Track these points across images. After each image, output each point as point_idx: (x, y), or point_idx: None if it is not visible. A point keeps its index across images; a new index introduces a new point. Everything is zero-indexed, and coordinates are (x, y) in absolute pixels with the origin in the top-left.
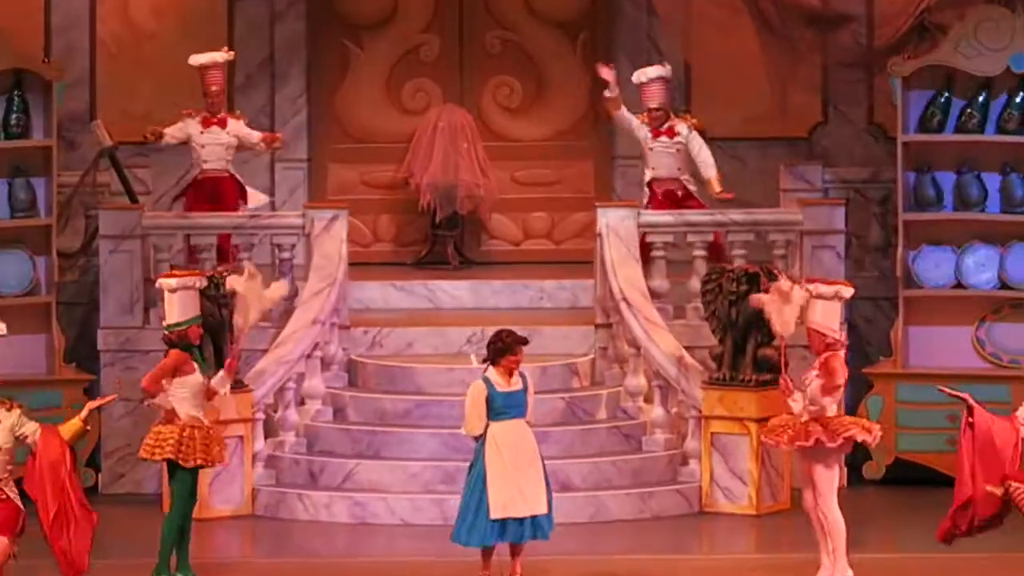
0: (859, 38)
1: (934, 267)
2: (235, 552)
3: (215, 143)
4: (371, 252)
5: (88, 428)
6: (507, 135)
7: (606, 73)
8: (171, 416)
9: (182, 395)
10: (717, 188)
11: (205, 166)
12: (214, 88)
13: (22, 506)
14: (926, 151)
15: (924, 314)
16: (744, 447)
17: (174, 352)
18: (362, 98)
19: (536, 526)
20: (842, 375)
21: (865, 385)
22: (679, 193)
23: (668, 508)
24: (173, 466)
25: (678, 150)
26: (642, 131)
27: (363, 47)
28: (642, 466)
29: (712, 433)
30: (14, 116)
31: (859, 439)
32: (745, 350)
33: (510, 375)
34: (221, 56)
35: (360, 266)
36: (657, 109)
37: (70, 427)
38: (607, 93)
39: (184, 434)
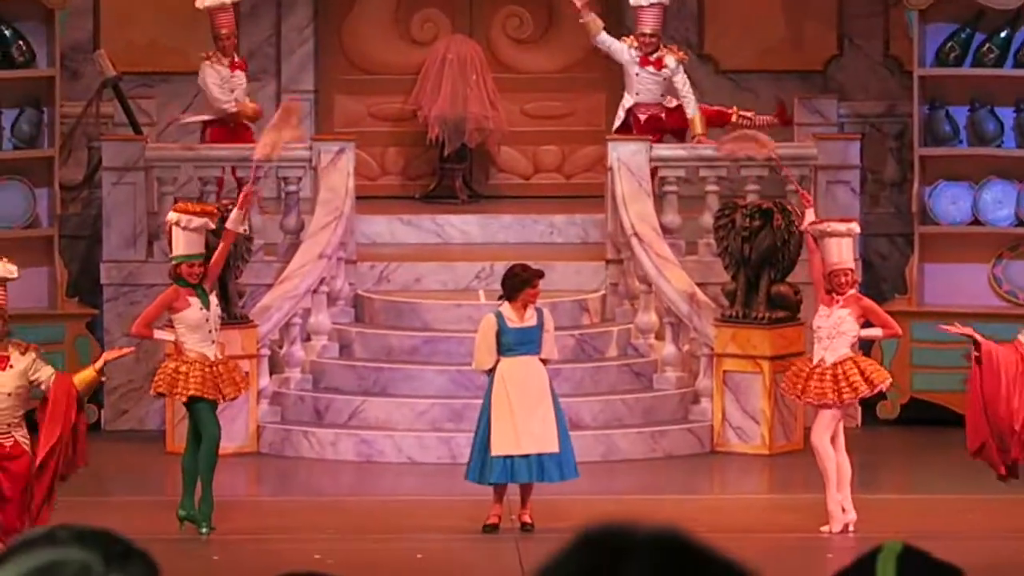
0: None
1: (950, 203)
2: (240, 490)
3: (239, 86)
4: (378, 186)
5: (103, 379)
6: (517, 67)
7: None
8: (177, 351)
9: (182, 331)
10: (699, 129)
11: (229, 109)
12: (224, 31)
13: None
14: (941, 86)
15: (940, 251)
16: (757, 386)
17: (169, 289)
18: (370, 28)
19: (543, 468)
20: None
21: None
22: (662, 116)
23: (679, 447)
24: (194, 403)
25: (664, 79)
26: (626, 54)
27: None
28: (653, 405)
29: (724, 371)
30: (15, 46)
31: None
32: (758, 287)
33: (524, 310)
34: None
35: (367, 200)
36: (651, 35)
37: (84, 376)
38: (580, 19)
39: (206, 370)
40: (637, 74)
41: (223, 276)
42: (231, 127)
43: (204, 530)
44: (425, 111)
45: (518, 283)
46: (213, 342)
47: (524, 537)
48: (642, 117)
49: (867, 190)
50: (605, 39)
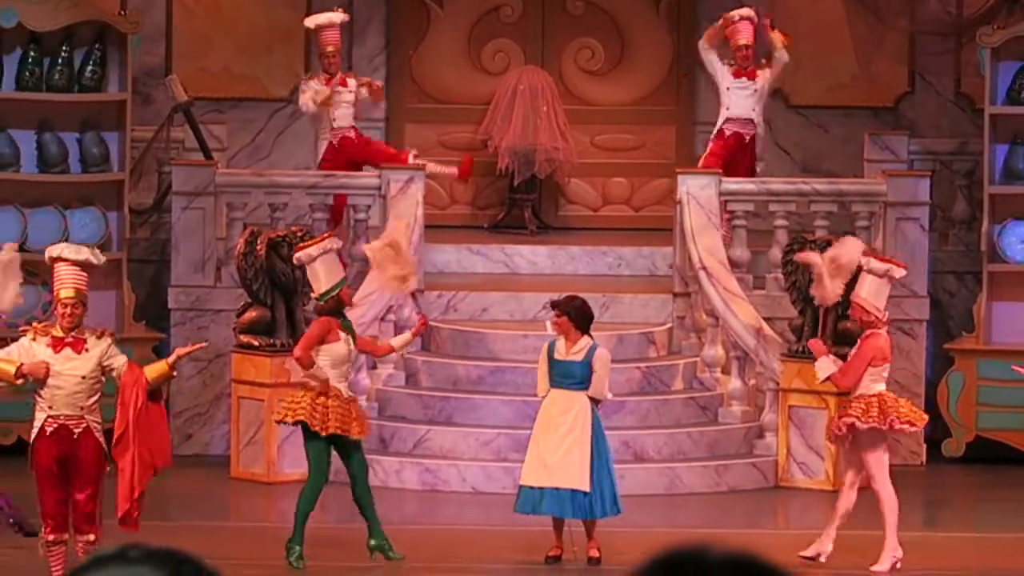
0: (947, 7)
1: (1019, 242)
2: None
3: (343, 101)
4: (447, 215)
5: (174, 374)
6: (588, 98)
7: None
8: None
9: (323, 363)
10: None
11: (335, 124)
12: (330, 48)
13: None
14: (1014, 123)
15: (1008, 289)
16: (822, 421)
17: (322, 319)
18: (441, 58)
19: (577, 503)
20: (872, 355)
21: (946, 361)
22: (747, 138)
23: (744, 482)
24: (306, 433)
25: (755, 91)
26: (722, 71)
27: (443, 6)
28: (718, 438)
29: (790, 406)
30: (89, 69)
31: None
32: (825, 322)
33: (571, 343)
34: (337, 17)
35: (436, 229)
36: (746, 47)
37: (155, 368)
38: (713, 25)
39: (318, 400)
40: (728, 88)
41: (290, 303)
42: (335, 145)
43: (393, 555)
44: (495, 141)
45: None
46: (347, 379)
47: (589, 570)
48: (728, 132)
49: (936, 227)
50: (713, 55)
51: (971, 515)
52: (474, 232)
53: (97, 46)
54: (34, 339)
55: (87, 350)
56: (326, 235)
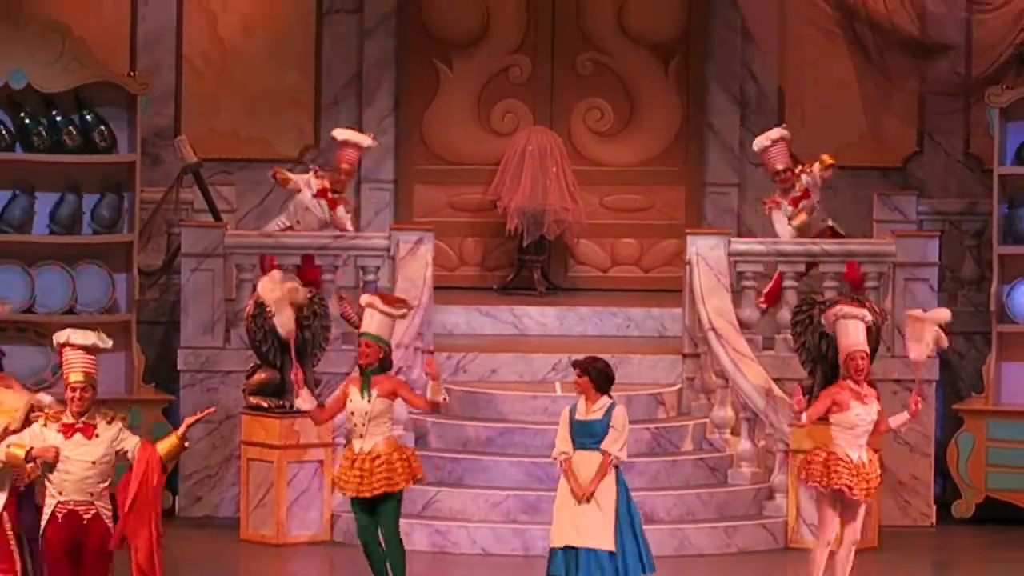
0: (956, 67)
1: None
2: None
3: (314, 214)
4: (456, 276)
5: (186, 445)
6: (597, 159)
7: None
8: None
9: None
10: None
11: (296, 225)
12: (346, 166)
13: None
14: (1021, 184)
15: (1018, 350)
16: None
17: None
18: (451, 119)
19: (592, 562)
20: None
21: (956, 421)
22: (829, 236)
23: (753, 543)
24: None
25: (818, 202)
26: (779, 214)
27: (452, 67)
28: (727, 500)
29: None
30: (97, 131)
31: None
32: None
33: (588, 402)
34: (367, 141)
35: (445, 290)
36: (784, 170)
37: (166, 444)
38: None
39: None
40: (791, 222)
41: (301, 363)
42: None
43: None
44: (504, 202)
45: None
46: (361, 436)
47: None
48: None
49: (945, 288)
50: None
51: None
52: (483, 293)
53: (87, 111)
54: (45, 425)
55: (97, 435)
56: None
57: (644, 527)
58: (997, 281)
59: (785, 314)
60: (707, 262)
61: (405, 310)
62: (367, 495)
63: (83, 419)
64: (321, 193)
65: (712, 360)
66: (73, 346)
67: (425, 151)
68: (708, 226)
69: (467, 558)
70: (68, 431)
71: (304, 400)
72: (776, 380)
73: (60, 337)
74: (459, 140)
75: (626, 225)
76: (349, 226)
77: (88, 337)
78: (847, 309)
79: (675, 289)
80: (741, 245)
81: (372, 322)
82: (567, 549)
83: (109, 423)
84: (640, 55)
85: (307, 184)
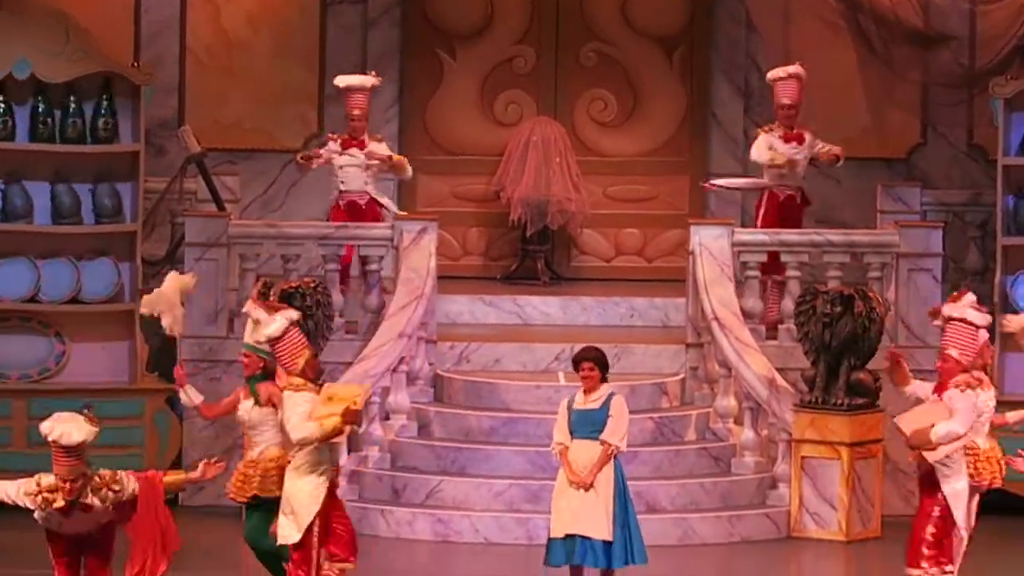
0: (960, 58)
1: None
2: None
3: (351, 164)
4: (460, 266)
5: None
6: (600, 150)
7: None
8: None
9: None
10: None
11: (343, 187)
12: (356, 112)
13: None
14: None
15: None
16: (835, 472)
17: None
18: (454, 109)
19: (599, 552)
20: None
21: None
22: (797, 199)
23: (756, 532)
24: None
25: (806, 156)
26: (764, 143)
27: (456, 57)
28: (731, 489)
29: (802, 457)
30: (102, 120)
31: None
32: (838, 373)
33: (588, 392)
34: (369, 80)
35: (448, 279)
36: (790, 106)
37: (173, 479)
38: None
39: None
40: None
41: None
42: (342, 208)
43: None
44: (508, 192)
45: (574, 364)
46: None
47: None
48: (781, 196)
49: (949, 279)
50: (738, 181)
51: (984, 566)
52: (487, 283)
53: (105, 97)
54: (45, 509)
55: (94, 508)
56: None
57: (648, 516)
58: (1001, 272)
59: (788, 304)
60: (710, 252)
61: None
62: (241, 500)
63: (78, 502)
64: (346, 144)
65: (715, 350)
66: (57, 444)
67: (429, 141)
68: (711, 216)
69: (470, 547)
70: (67, 510)
71: (189, 396)
72: (779, 370)
73: (46, 432)
74: (463, 130)
75: (630, 215)
76: (388, 151)
77: (73, 435)
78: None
79: (678, 279)
80: (744, 235)
81: (249, 331)
82: (566, 538)
83: (98, 492)
84: (644, 46)
85: (331, 151)
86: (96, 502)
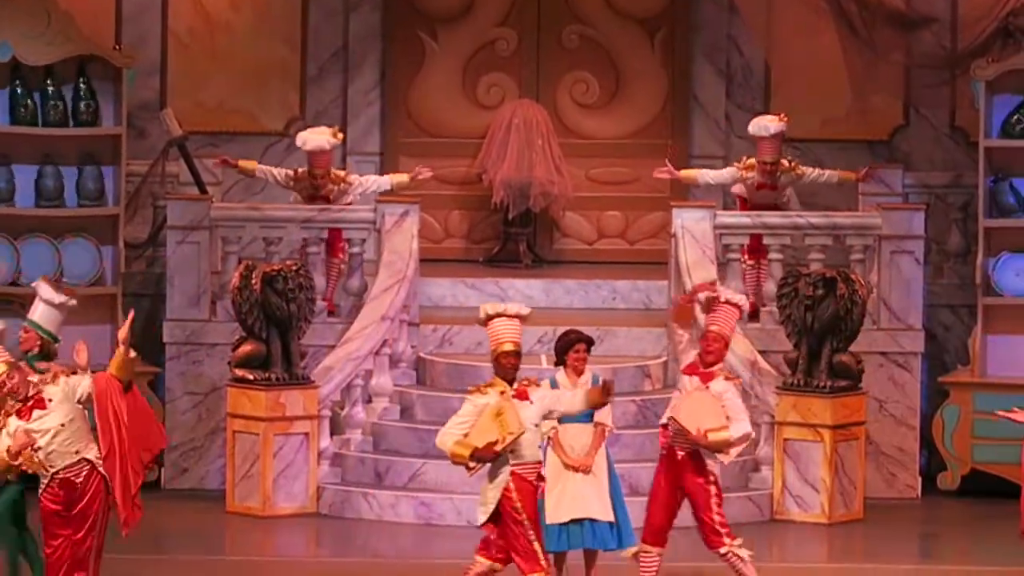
0: (942, 40)
1: (1014, 275)
2: (299, 551)
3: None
4: (442, 248)
5: (132, 354)
6: (582, 132)
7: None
8: None
9: None
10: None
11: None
12: (319, 171)
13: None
14: (1007, 157)
15: (1003, 322)
16: (817, 454)
17: None
18: (436, 92)
19: (596, 533)
20: None
21: (942, 394)
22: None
23: (739, 515)
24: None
25: (780, 203)
26: (734, 175)
27: (438, 40)
28: None
29: (785, 439)
30: (83, 103)
31: None
32: (820, 356)
33: (577, 376)
34: (329, 143)
35: (431, 262)
36: (772, 164)
37: (115, 362)
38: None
39: None
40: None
41: (285, 337)
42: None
43: None
44: (490, 175)
45: (563, 347)
46: None
47: None
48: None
49: (931, 260)
50: (707, 176)
51: (967, 548)
52: (469, 266)
53: (82, 80)
54: (2, 426)
55: (50, 400)
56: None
57: (631, 499)
58: (983, 254)
59: (771, 287)
60: (693, 235)
61: (69, 300)
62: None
63: (30, 394)
64: (310, 199)
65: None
66: None
67: (411, 124)
68: (694, 199)
69: (452, 530)
70: (24, 412)
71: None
72: (762, 352)
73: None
74: (445, 113)
75: (612, 198)
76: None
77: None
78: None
79: (661, 261)
80: (727, 218)
81: (35, 309)
82: (569, 523)
83: (54, 383)
84: (626, 28)
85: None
86: (48, 389)
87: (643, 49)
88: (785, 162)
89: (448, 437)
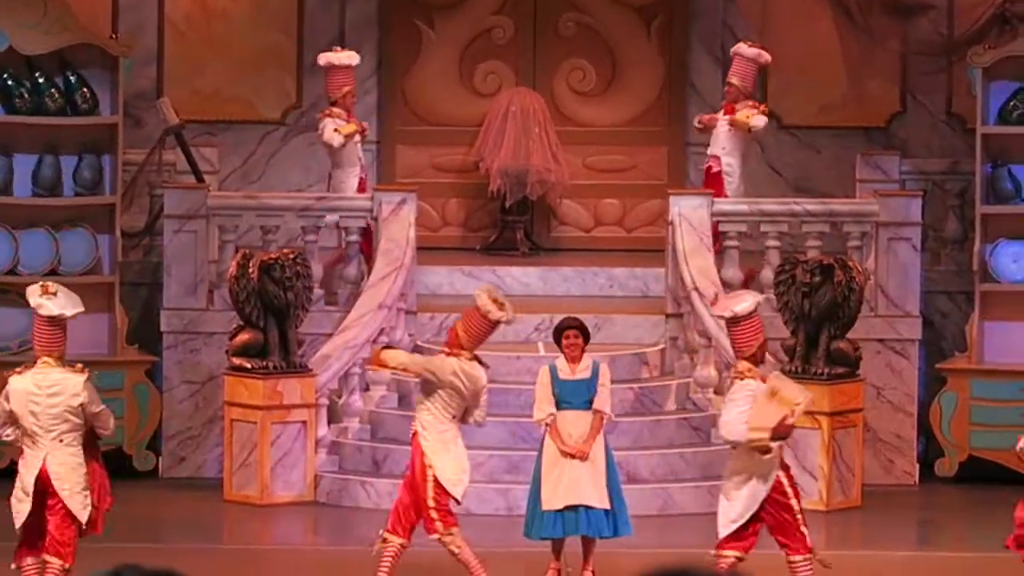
0: (938, 27)
1: (1012, 261)
2: (297, 539)
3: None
4: (439, 236)
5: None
6: (579, 120)
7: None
8: None
9: None
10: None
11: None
12: (347, 89)
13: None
14: (1004, 144)
15: (1001, 309)
16: (815, 442)
17: None
18: (433, 80)
19: (590, 521)
20: None
21: (939, 381)
22: (715, 169)
23: None
24: None
25: (727, 131)
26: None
27: (435, 28)
28: (711, 459)
29: None
30: (79, 93)
31: None
32: (818, 343)
33: (575, 362)
34: (354, 59)
35: (428, 251)
36: (730, 85)
37: None
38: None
39: None
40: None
41: (283, 325)
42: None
43: None
44: (487, 163)
45: (555, 333)
46: None
47: None
48: (714, 168)
49: (928, 247)
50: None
51: (964, 535)
52: (466, 254)
53: (69, 72)
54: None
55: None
56: None
57: (628, 487)
58: (980, 240)
59: (768, 274)
60: (690, 222)
61: None
62: None
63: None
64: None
65: (695, 320)
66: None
67: (408, 112)
68: (691, 186)
69: None
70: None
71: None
72: None
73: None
74: (442, 101)
75: (609, 185)
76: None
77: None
78: None
79: (658, 249)
80: (724, 205)
81: None
82: (564, 510)
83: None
84: (622, 16)
85: (334, 125)
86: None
87: (640, 37)
88: (750, 102)
89: (738, 429)
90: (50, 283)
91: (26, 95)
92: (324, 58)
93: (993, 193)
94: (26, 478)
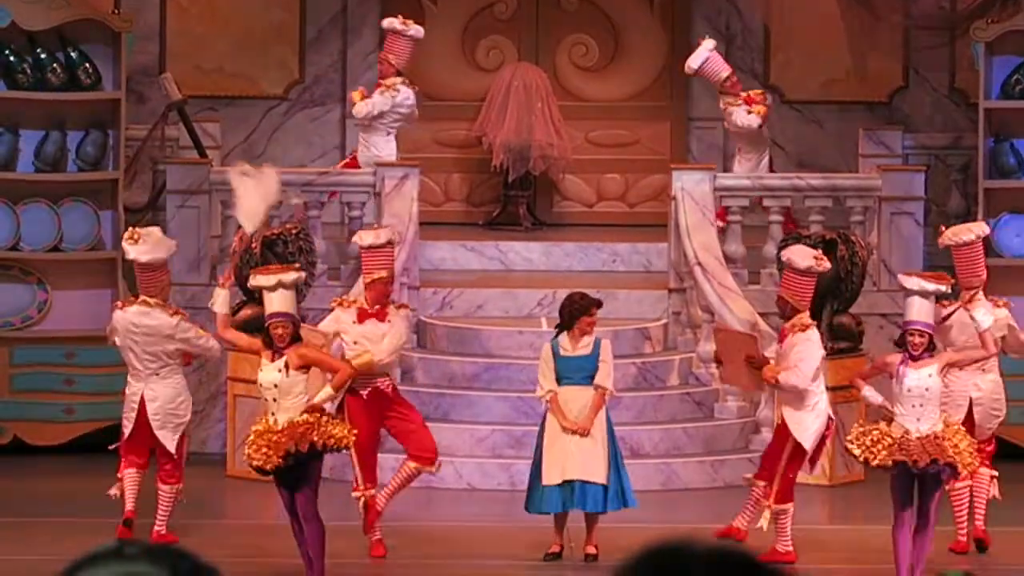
0: (941, 1)
1: (1015, 236)
2: None
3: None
4: (442, 212)
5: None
6: (582, 95)
7: None
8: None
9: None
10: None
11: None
12: (394, 59)
13: None
14: (1006, 118)
15: (1004, 284)
16: None
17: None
18: (435, 55)
19: (587, 495)
20: None
21: None
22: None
23: (739, 477)
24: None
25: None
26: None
27: (437, 3)
28: (714, 434)
29: None
30: (81, 68)
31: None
32: (820, 317)
33: (580, 339)
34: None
35: (431, 226)
36: (728, 76)
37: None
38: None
39: None
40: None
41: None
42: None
43: None
44: (490, 138)
45: (575, 311)
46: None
47: (586, 567)
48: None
49: (931, 222)
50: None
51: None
52: (469, 229)
53: (71, 48)
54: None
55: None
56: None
57: (631, 461)
58: (983, 215)
59: (771, 248)
60: (692, 197)
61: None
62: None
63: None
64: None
65: (698, 295)
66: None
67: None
68: (693, 161)
69: (453, 493)
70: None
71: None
72: (762, 315)
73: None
74: (444, 76)
75: (611, 160)
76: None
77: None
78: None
79: (660, 224)
80: (727, 180)
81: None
82: (563, 484)
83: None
84: None
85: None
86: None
87: (642, 11)
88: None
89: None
90: (139, 229)
91: (28, 71)
92: (417, 29)
93: (996, 168)
94: (131, 399)
